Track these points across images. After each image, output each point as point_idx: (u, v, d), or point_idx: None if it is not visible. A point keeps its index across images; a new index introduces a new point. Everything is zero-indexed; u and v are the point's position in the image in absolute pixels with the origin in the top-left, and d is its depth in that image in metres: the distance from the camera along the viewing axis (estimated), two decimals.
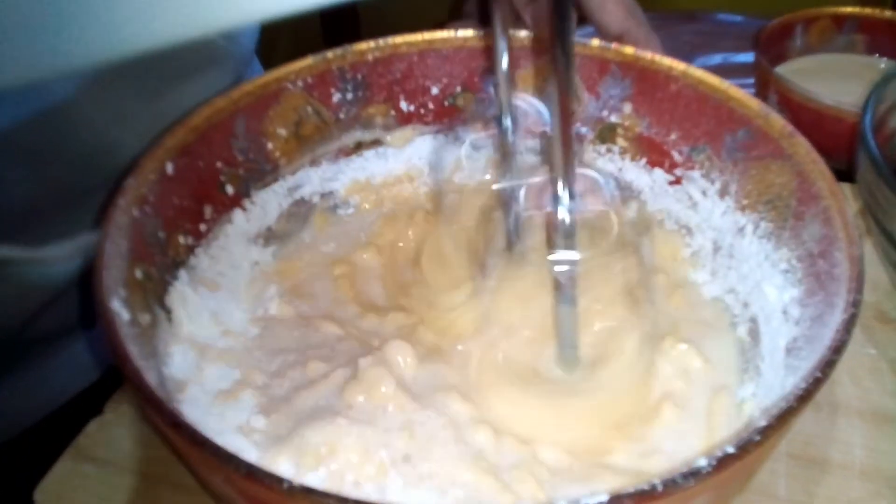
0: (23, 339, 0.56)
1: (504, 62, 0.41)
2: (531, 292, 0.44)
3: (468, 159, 0.52)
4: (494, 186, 0.46)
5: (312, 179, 0.54)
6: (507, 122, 0.43)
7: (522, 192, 0.39)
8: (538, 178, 0.38)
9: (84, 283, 0.54)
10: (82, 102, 0.47)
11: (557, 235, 0.36)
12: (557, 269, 0.38)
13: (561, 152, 0.34)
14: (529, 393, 0.42)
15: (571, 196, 0.35)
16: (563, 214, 0.36)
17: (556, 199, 0.35)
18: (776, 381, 0.40)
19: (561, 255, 0.37)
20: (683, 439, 0.41)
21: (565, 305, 0.39)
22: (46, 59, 0.26)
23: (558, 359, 0.43)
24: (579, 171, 0.36)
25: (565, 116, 0.33)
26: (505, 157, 0.44)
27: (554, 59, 0.31)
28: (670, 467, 0.38)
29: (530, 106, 0.44)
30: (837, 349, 0.33)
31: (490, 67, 0.52)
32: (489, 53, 0.53)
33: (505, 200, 0.45)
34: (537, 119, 0.44)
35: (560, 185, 0.35)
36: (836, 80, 0.73)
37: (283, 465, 0.38)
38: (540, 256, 0.39)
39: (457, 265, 0.49)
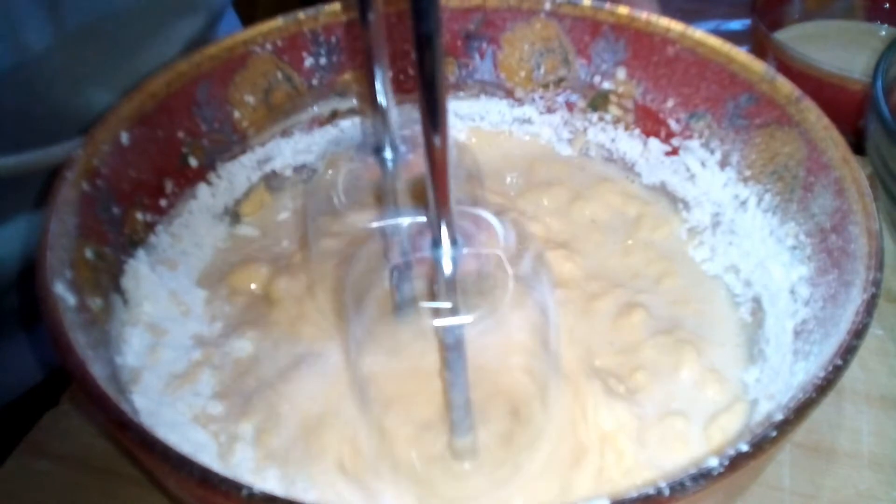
0: None
1: (384, 78, 0.34)
2: (418, 359, 0.37)
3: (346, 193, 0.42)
4: (371, 225, 0.37)
5: (284, 151, 0.50)
6: (388, 152, 0.36)
7: (402, 235, 0.33)
8: (417, 220, 0.31)
9: (24, 274, 0.50)
10: (54, 59, 0.44)
11: (439, 288, 0.30)
12: (441, 328, 0.31)
13: (433, 188, 0.27)
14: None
15: (453, 242, 0.29)
16: (444, 264, 0.29)
17: (435, 244, 0.29)
18: (783, 366, 0.38)
19: (444, 311, 0.30)
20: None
21: (454, 375, 0.32)
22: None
23: (452, 447, 0.36)
24: (469, 211, 0.30)
25: (436, 149, 0.26)
26: (385, 192, 0.38)
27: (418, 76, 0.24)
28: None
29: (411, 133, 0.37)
30: (858, 333, 0.30)
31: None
32: (468, 16, 0.49)
33: (383, 243, 0.37)
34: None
35: (439, 227, 0.28)
36: (835, 47, 0.70)
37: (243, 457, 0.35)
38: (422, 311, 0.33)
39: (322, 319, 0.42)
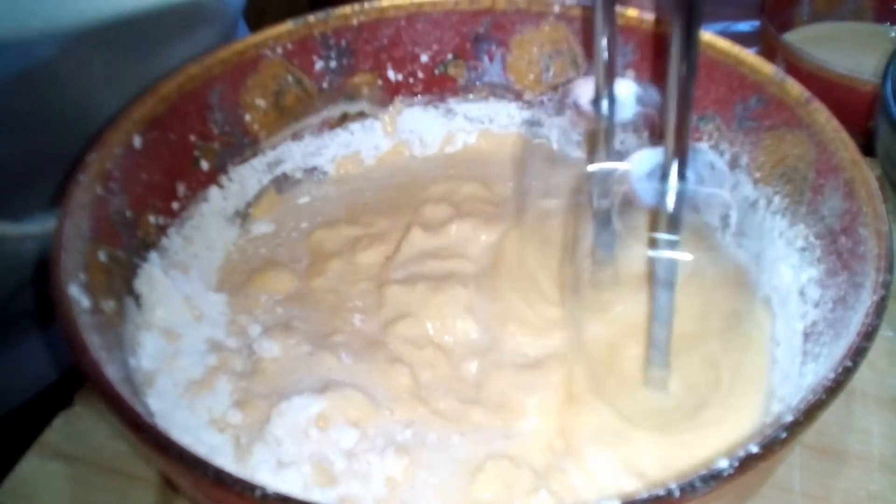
0: (9, 313, 0.53)
1: (604, 40, 0.36)
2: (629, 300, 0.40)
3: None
4: (590, 168, 0.40)
5: (294, 154, 0.51)
6: (605, 104, 0.38)
7: (621, 173, 0.34)
8: (641, 160, 0.32)
9: (38, 275, 0.51)
10: (66, 63, 0.45)
11: (663, 222, 0.31)
12: (658, 259, 0.33)
13: (675, 129, 0.29)
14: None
15: (682, 178, 0.31)
16: (671, 198, 0.31)
17: (665, 181, 0.31)
18: (793, 368, 0.38)
19: (664, 243, 0.32)
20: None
21: (663, 300, 0.34)
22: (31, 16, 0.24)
23: (646, 371, 0.38)
24: (696, 153, 0.31)
25: (685, 88, 0.28)
26: (599, 141, 0.39)
27: (675, 23, 0.26)
28: None
29: (626, 88, 0.39)
30: (868, 335, 0.30)
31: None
32: (478, 19, 0.50)
33: (600, 185, 0.39)
34: (631, 103, 0.38)
35: (672, 165, 0.30)
36: (845, 49, 0.70)
37: (260, 461, 0.35)
38: (639, 247, 0.34)
39: (543, 278, 0.44)
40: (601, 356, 0.40)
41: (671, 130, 0.29)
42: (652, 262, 0.34)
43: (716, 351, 0.39)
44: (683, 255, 0.32)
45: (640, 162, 0.32)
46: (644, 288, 0.39)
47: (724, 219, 0.46)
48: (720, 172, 0.32)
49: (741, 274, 0.39)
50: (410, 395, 0.39)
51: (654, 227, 0.32)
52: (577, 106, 0.39)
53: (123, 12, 0.45)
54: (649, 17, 0.47)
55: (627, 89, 0.38)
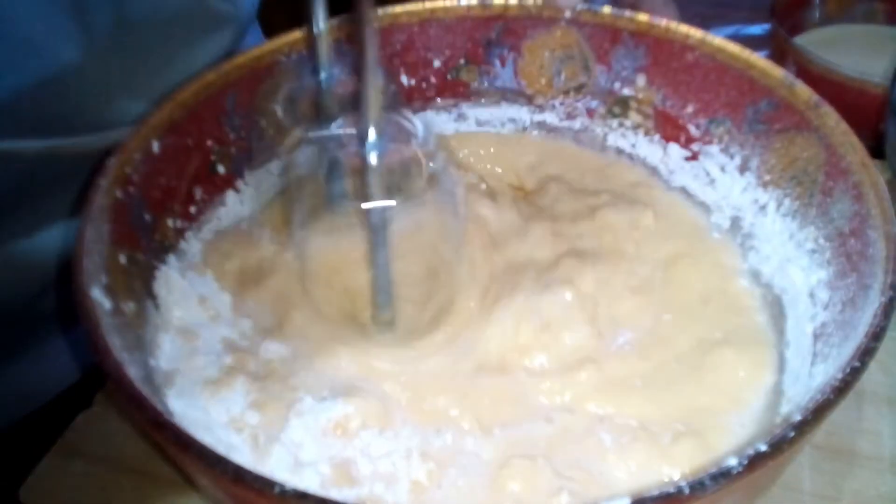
0: (29, 316, 0.54)
1: (321, 11, 0.41)
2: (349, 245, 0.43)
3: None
4: (309, 134, 0.44)
5: (309, 159, 0.51)
6: (323, 74, 0.43)
7: (335, 139, 0.39)
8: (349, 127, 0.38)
9: (61, 277, 0.51)
10: (86, 71, 0.46)
11: (366, 178, 0.36)
12: (368, 211, 0.37)
13: (365, 95, 0.34)
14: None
15: (379, 138, 0.35)
16: (371, 157, 0.36)
17: (363, 141, 0.36)
18: (803, 369, 0.38)
19: (371, 197, 0.37)
20: None
21: (379, 251, 0.38)
22: None
23: (373, 316, 0.42)
24: (391, 117, 0.37)
25: (368, 55, 0.33)
26: (321, 110, 0.44)
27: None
28: None
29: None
30: (876, 335, 0.30)
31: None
32: (489, 24, 0.50)
33: (321, 150, 0.43)
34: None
35: (368, 128, 0.35)
36: (856, 52, 0.70)
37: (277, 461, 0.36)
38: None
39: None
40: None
41: (362, 89, 0.35)
42: (362, 212, 0.38)
43: None
44: (388, 203, 0.37)
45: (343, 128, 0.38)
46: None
47: (735, 221, 0.47)
48: (413, 127, 0.38)
49: None
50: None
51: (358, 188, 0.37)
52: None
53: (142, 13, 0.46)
54: (659, 21, 0.47)
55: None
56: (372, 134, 0.35)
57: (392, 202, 0.37)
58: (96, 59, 0.46)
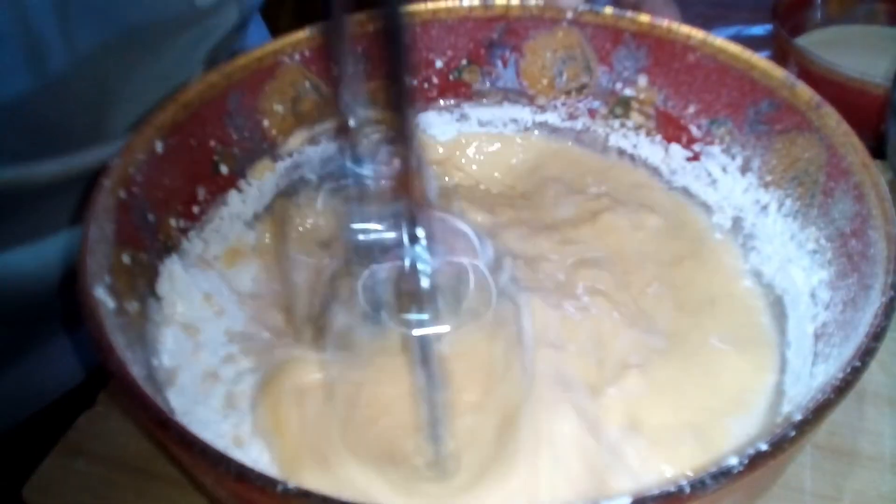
0: (33, 318, 0.55)
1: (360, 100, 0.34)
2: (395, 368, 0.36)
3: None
4: (350, 236, 0.36)
5: (312, 159, 0.51)
6: (365, 168, 0.36)
7: (380, 247, 0.32)
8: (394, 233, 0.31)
9: (66, 279, 0.52)
10: (80, 76, 0.46)
11: (415, 298, 0.30)
12: (417, 339, 0.30)
13: (412, 198, 0.27)
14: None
15: (430, 251, 0.28)
16: (420, 275, 0.29)
17: (411, 254, 0.29)
18: (804, 369, 0.38)
19: (420, 321, 0.30)
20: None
21: (430, 389, 0.31)
22: None
23: (428, 459, 0.35)
24: (446, 222, 0.30)
25: (409, 155, 0.27)
26: (362, 202, 0.37)
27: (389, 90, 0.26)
28: None
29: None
30: (877, 335, 0.30)
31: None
32: (492, 25, 0.50)
33: (363, 253, 0.35)
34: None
35: (415, 237, 0.28)
36: (857, 52, 0.70)
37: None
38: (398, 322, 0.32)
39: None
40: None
41: (407, 202, 0.28)
42: (410, 339, 0.32)
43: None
44: (440, 329, 0.30)
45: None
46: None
47: (737, 221, 0.47)
48: (469, 239, 0.30)
49: None
50: None
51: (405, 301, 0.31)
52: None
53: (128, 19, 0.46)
54: (661, 21, 0.47)
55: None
56: (423, 243, 0.29)
57: (445, 328, 0.30)
58: (89, 64, 0.46)
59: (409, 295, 0.30)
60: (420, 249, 0.29)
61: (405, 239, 0.29)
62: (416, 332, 0.30)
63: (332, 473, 0.34)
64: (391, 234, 0.31)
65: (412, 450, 0.35)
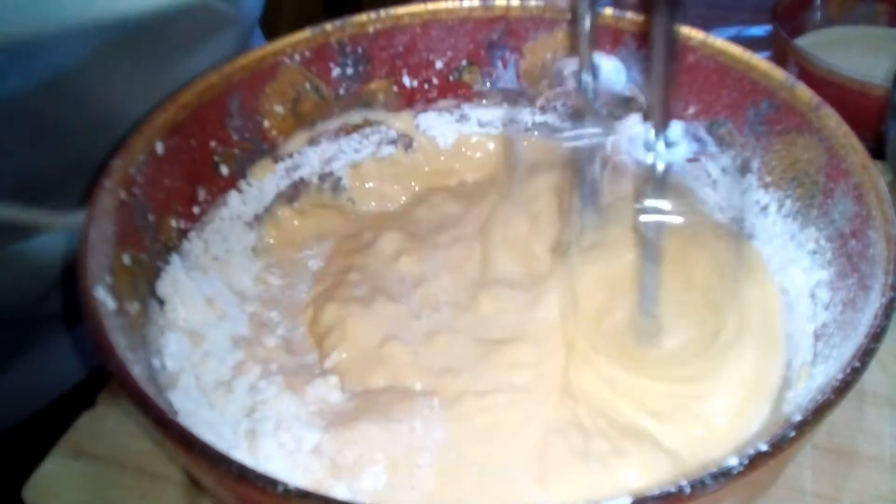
0: (34, 317, 0.54)
1: (587, 17, 0.39)
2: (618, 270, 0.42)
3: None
4: (578, 142, 0.43)
5: (312, 160, 0.51)
6: (588, 78, 0.41)
7: (610, 142, 0.37)
8: (625, 130, 0.36)
9: (66, 278, 0.52)
10: (92, 72, 0.46)
11: (649, 185, 0.34)
12: (645, 222, 0.35)
13: (660, 96, 0.32)
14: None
15: (667, 144, 0.33)
16: (657, 162, 0.33)
17: (649, 146, 0.33)
18: (804, 369, 0.38)
19: (651, 205, 0.34)
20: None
21: (650, 263, 0.37)
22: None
23: (636, 324, 0.41)
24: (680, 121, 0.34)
25: (669, 56, 0.31)
26: (582, 114, 0.42)
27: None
28: None
29: (608, 64, 0.42)
30: (876, 336, 0.31)
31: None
32: (492, 26, 0.50)
33: (586, 156, 0.43)
34: (614, 78, 0.42)
35: (656, 131, 0.33)
36: (857, 53, 0.70)
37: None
38: (626, 212, 0.38)
39: (536, 243, 0.47)
40: (595, 312, 0.43)
41: (657, 102, 0.32)
42: (639, 224, 0.36)
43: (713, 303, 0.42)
44: (671, 218, 0.35)
45: (626, 132, 0.35)
46: (631, 247, 0.42)
47: (737, 222, 0.47)
48: (704, 142, 0.34)
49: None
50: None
51: (638, 194, 0.35)
52: (563, 79, 0.42)
53: (139, 11, 0.46)
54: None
55: (611, 65, 0.42)
56: (657, 136, 0.33)
57: (679, 218, 0.35)
58: (99, 62, 0.46)
59: (643, 185, 0.34)
60: (660, 147, 0.33)
61: (650, 135, 0.33)
62: (646, 218, 0.35)
63: None
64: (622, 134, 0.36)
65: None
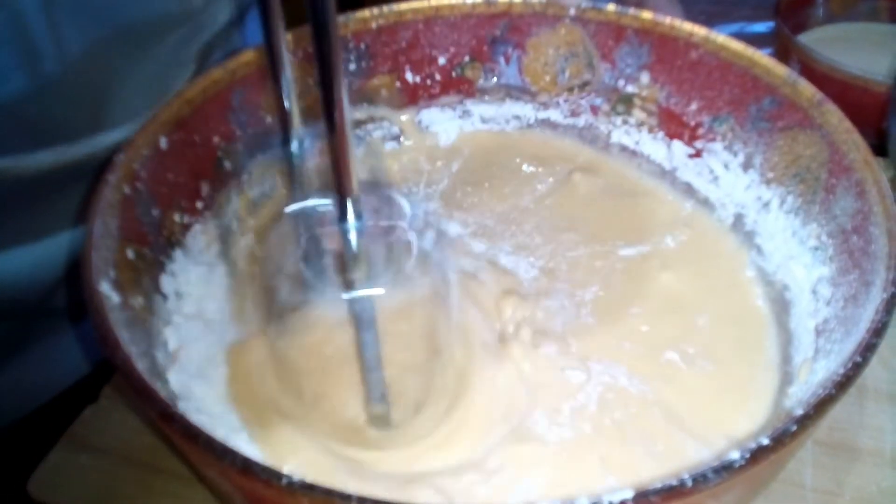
0: (39, 312, 0.54)
1: (288, 73, 0.36)
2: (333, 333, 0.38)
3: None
4: (286, 209, 0.38)
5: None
6: (294, 145, 0.38)
7: (313, 216, 0.35)
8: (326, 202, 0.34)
9: (71, 273, 0.52)
10: (71, 79, 0.46)
11: (348, 261, 0.32)
12: (352, 301, 0.33)
13: (338, 166, 0.30)
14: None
15: (358, 216, 0.31)
16: (351, 237, 0.31)
17: (342, 220, 0.31)
18: (805, 364, 0.38)
19: (355, 283, 0.33)
20: None
21: (366, 345, 0.34)
22: None
23: (369, 416, 0.37)
24: (376, 191, 0.33)
25: (338, 125, 0.29)
26: (293, 181, 0.39)
27: (316, 58, 0.28)
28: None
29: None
30: (877, 331, 0.31)
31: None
32: (494, 22, 0.51)
33: (299, 226, 0.38)
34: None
35: (344, 205, 0.31)
36: (859, 50, 0.70)
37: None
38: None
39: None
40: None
41: (335, 169, 0.30)
42: (349, 304, 0.34)
43: None
44: (374, 292, 0.33)
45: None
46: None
47: (738, 218, 0.47)
48: (398, 206, 0.33)
49: None
50: None
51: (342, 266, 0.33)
52: None
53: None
54: (663, 18, 0.47)
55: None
56: (351, 210, 0.31)
57: (378, 290, 0.33)
58: (80, 66, 0.46)
59: (342, 260, 0.33)
60: (349, 219, 0.31)
61: (336, 211, 0.31)
62: (348, 294, 0.33)
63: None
64: (325, 208, 0.34)
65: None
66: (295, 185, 0.39)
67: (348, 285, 0.33)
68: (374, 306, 0.33)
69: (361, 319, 0.33)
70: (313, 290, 0.36)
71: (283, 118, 0.37)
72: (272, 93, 0.37)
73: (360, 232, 0.32)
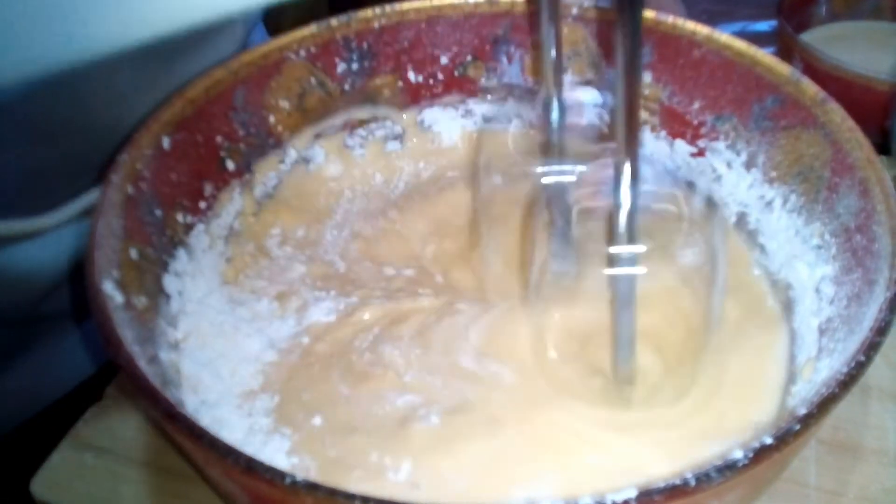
0: (42, 313, 0.54)
1: (552, 46, 0.37)
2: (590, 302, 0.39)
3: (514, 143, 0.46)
4: (543, 179, 0.39)
5: (317, 155, 0.52)
6: (555, 112, 0.39)
7: (576, 183, 0.35)
8: (593, 167, 0.33)
9: (75, 273, 0.52)
10: (92, 74, 0.46)
11: (617, 230, 0.31)
12: (615, 269, 0.33)
13: (625, 135, 0.29)
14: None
15: (635, 185, 0.31)
16: (625, 206, 0.31)
17: (617, 188, 0.31)
18: (808, 363, 0.38)
19: (620, 252, 0.32)
20: None
21: (623, 312, 0.34)
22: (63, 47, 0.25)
23: (614, 374, 0.38)
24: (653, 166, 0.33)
25: (631, 94, 0.28)
26: (550, 147, 0.40)
27: (619, 31, 0.27)
28: None
29: (579, 94, 0.40)
30: (881, 330, 0.31)
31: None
32: (497, 21, 0.51)
33: (554, 193, 0.39)
34: (584, 109, 0.40)
35: (623, 172, 0.30)
36: (862, 48, 0.70)
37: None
38: (598, 252, 0.34)
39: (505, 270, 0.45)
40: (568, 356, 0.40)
41: (620, 136, 0.30)
42: (610, 276, 0.34)
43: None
44: (638, 270, 0.32)
45: (595, 170, 0.33)
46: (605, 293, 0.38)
47: (741, 217, 0.47)
48: (669, 177, 0.34)
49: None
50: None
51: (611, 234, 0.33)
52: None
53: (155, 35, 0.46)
54: (666, 17, 0.47)
55: (584, 95, 0.40)
56: (624, 178, 0.30)
57: (643, 269, 0.32)
58: (99, 65, 0.46)
59: (609, 229, 0.32)
60: (627, 186, 0.31)
61: (615, 179, 0.31)
62: (613, 270, 0.33)
63: None
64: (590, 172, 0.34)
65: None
66: (552, 152, 0.40)
67: (612, 261, 0.33)
68: (634, 282, 0.33)
69: (621, 293, 0.34)
70: (571, 261, 0.37)
71: (548, 82, 0.38)
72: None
73: (634, 203, 0.31)
